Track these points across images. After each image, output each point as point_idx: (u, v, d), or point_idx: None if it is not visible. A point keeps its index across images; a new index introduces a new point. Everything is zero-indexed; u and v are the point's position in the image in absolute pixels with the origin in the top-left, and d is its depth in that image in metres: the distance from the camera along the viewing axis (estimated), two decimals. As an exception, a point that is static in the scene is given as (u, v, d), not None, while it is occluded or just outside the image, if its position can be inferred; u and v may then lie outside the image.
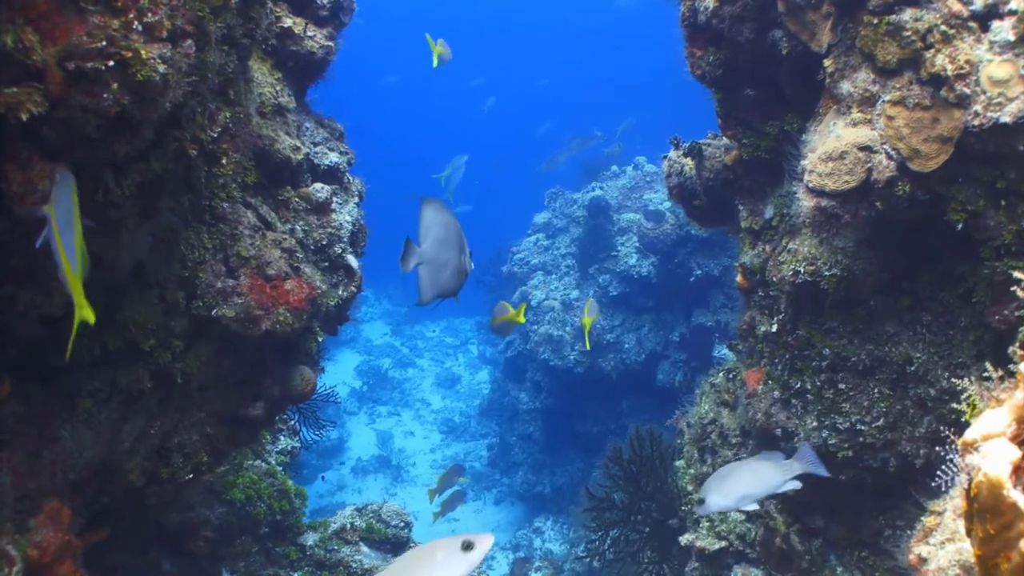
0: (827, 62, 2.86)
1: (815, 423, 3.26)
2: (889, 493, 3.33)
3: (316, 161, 3.58)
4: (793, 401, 3.37)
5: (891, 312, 3.15)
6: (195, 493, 4.12)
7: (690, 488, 4.22)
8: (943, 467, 1.77)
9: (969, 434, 1.37)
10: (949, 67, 2.49)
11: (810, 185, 2.76)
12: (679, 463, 4.41)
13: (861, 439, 3.17)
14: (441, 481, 7.32)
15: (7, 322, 2.14)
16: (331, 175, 3.63)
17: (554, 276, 9.91)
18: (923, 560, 1.72)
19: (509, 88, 25.86)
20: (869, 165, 2.67)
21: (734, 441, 4.00)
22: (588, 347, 4.01)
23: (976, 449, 1.33)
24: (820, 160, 2.72)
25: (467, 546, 1.86)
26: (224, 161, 2.49)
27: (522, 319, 3.50)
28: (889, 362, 3.13)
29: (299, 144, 3.42)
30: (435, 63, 5.19)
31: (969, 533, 1.32)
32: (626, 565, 4.86)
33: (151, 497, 2.93)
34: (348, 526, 4.88)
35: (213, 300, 2.80)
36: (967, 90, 2.48)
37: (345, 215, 3.58)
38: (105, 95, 1.66)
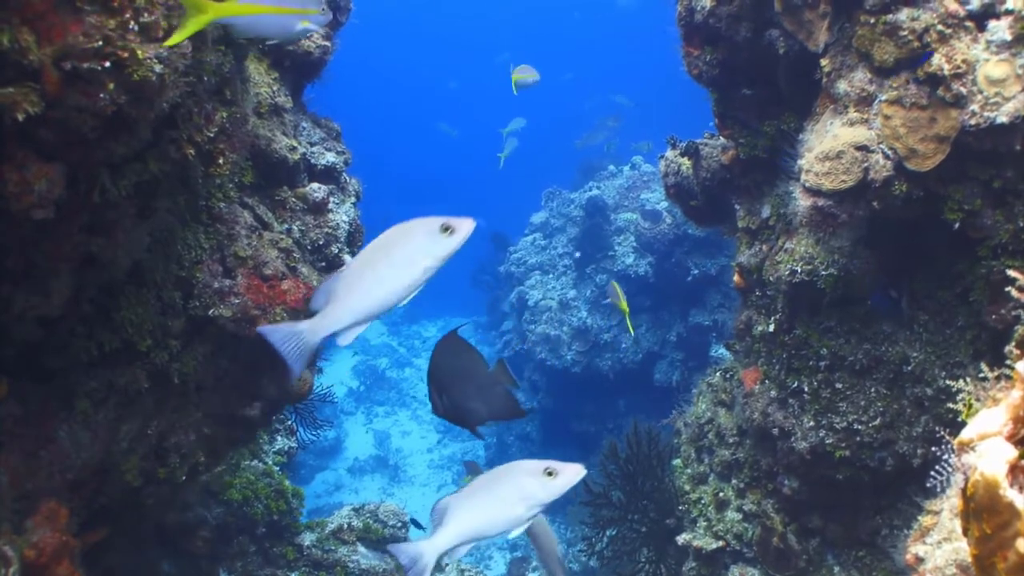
0: (824, 61, 2.86)
1: (812, 422, 3.26)
2: (886, 492, 3.34)
3: (313, 161, 3.57)
4: (790, 400, 3.38)
5: (888, 311, 3.16)
6: (192, 493, 4.12)
7: (687, 488, 4.22)
8: (940, 466, 1.77)
9: (965, 433, 1.37)
10: (946, 66, 2.49)
11: (807, 184, 2.76)
12: (676, 462, 4.42)
13: (858, 438, 3.17)
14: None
15: (4, 323, 2.14)
16: (328, 175, 3.62)
17: (551, 276, 9.91)
18: (920, 559, 1.72)
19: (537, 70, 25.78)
20: (866, 164, 2.67)
21: (731, 440, 4.00)
22: (632, 331, 4.01)
23: (972, 448, 1.33)
24: (817, 159, 2.72)
25: (447, 228, 1.85)
26: (221, 161, 2.49)
27: None
28: (886, 361, 3.14)
29: (296, 144, 3.42)
30: (514, 90, 5.33)
31: (966, 532, 1.32)
32: (623, 564, 4.86)
33: (148, 497, 2.93)
34: (345, 526, 4.88)
35: (210, 300, 2.80)
36: (964, 89, 2.48)
37: (342, 215, 3.57)
38: (101, 95, 1.66)
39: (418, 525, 5.24)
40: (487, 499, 2.05)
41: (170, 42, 1.55)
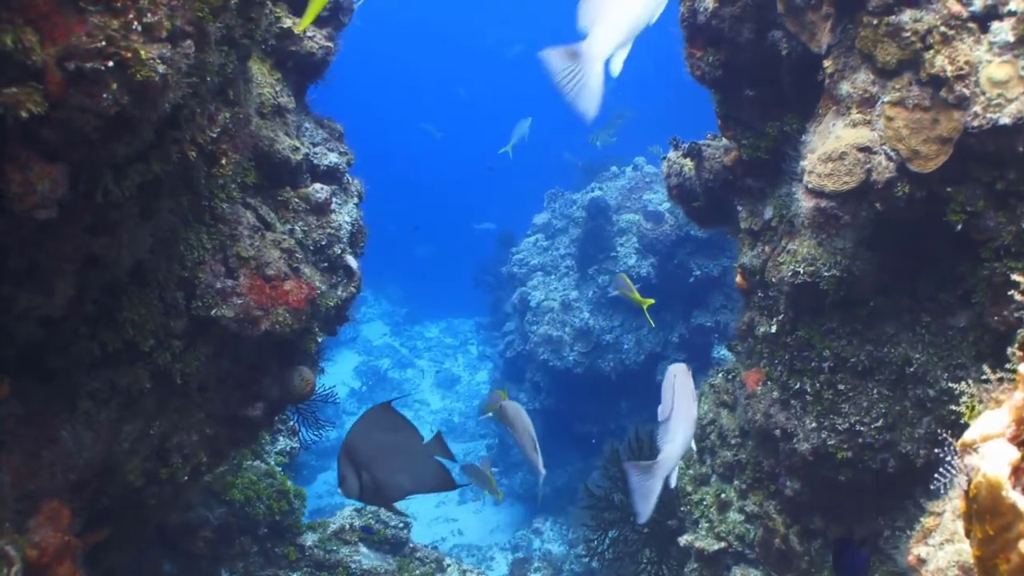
0: (827, 63, 2.86)
1: (814, 424, 3.26)
2: (889, 494, 3.33)
3: (315, 161, 3.57)
4: (792, 402, 3.37)
5: (891, 313, 3.15)
6: (194, 494, 4.12)
7: (689, 489, 4.21)
8: (942, 468, 1.77)
9: (968, 435, 1.37)
10: (948, 68, 2.49)
11: (809, 186, 2.76)
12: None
13: (860, 440, 3.17)
14: (482, 483, 7.28)
15: (6, 323, 2.14)
16: (330, 175, 3.62)
17: (553, 277, 9.90)
18: (922, 561, 1.72)
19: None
20: (868, 166, 2.67)
21: (733, 442, 4.00)
22: (652, 322, 4.18)
23: (975, 450, 1.33)
24: (819, 161, 2.72)
25: None
26: (223, 162, 2.49)
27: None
28: (888, 363, 3.13)
29: (298, 144, 3.42)
30: None
31: (968, 534, 1.32)
32: (625, 565, 4.86)
33: (150, 497, 2.93)
34: (347, 526, 4.88)
35: (212, 300, 2.80)
36: (966, 91, 2.48)
37: (344, 215, 3.57)
38: (104, 95, 1.66)
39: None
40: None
41: (302, 25, 1.65)
